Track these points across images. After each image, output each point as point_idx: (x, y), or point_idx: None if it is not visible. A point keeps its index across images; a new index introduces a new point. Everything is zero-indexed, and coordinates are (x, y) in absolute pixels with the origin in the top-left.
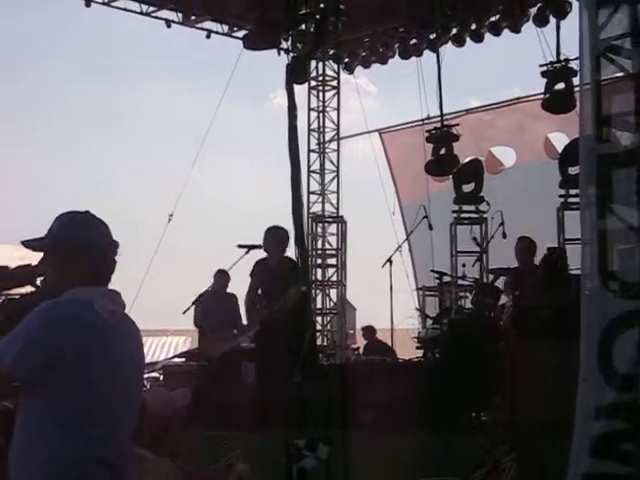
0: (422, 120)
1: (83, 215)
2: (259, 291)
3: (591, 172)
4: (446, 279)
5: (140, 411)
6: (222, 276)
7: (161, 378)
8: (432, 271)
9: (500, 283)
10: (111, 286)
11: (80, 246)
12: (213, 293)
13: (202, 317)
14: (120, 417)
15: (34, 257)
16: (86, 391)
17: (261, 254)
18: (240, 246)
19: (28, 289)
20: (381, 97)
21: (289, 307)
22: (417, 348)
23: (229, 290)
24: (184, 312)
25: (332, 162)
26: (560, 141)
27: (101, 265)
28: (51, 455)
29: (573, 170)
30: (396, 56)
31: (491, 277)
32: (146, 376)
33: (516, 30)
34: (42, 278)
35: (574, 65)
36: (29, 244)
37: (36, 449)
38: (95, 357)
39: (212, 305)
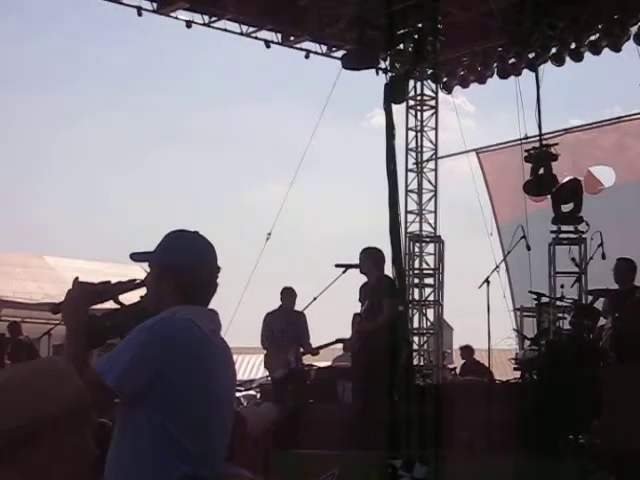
0: (520, 140)
1: (189, 235)
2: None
3: None
4: (544, 300)
5: (236, 429)
6: (288, 294)
7: (258, 396)
8: (530, 292)
9: (599, 304)
10: (211, 304)
11: (177, 265)
12: (280, 311)
13: (268, 337)
14: (216, 436)
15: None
16: (187, 409)
17: (360, 276)
18: (338, 265)
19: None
20: (479, 116)
21: (385, 321)
22: (515, 369)
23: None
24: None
25: (430, 182)
26: None
27: (198, 286)
28: (150, 472)
29: None
30: (494, 75)
31: (590, 298)
32: (243, 394)
33: (616, 49)
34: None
35: None
36: (136, 257)
37: (135, 466)
38: (197, 375)
39: (279, 324)
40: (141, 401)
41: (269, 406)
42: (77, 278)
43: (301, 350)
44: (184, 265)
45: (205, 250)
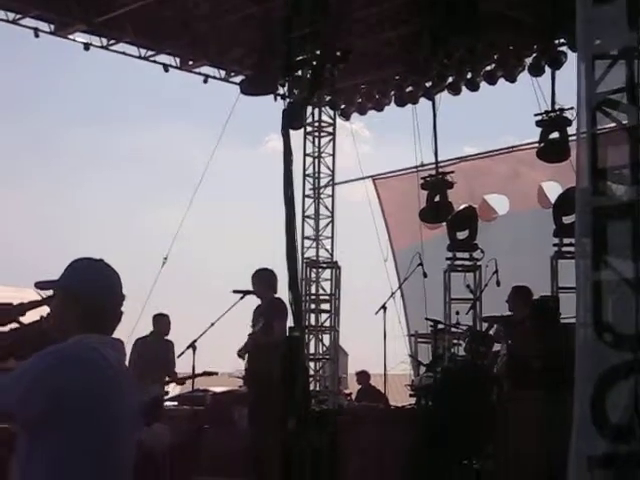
0: (416, 167)
1: (94, 263)
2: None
3: (587, 224)
4: (440, 326)
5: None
6: (160, 320)
7: None
8: (426, 319)
9: (493, 331)
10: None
11: (81, 294)
12: (152, 338)
13: (133, 362)
14: (114, 466)
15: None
16: (86, 440)
17: (255, 299)
18: (235, 291)
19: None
20: (376, 143)
21: (276, 341)
22: (411, 395)
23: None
24: (179, 355)
25: (327, 207)
26: (553, 190)
27: (102, 315)
28: None
29: (567, 219)
30: (392, 103)
31: (485, 325)
32: None
33: (512, 79)
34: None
35: (569, 115)
36: (41, 285)
37: None
38: (100, 404)
39: (147, 350)
40: (36, 431)
41: (161, 427)
42: None
43: (167, 379)
44: (88, 294)
45: (110, 278)
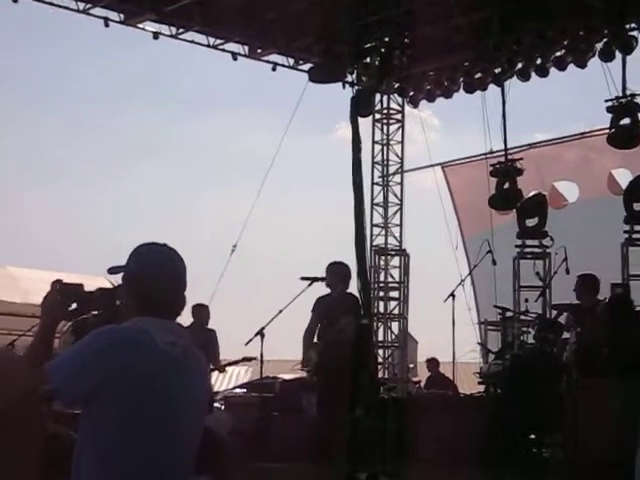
0: (485, 154)
1: (153, 248)
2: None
3: None
4: (509, 314)
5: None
6: (200, 310)
7: (222, 408)
8: (495, 306)
9: (563, 319)
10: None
11: (136, 277)
12: (191, 328)
13: None
14: (160, 449)
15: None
16: (126, 419)
17: (323, 288)
18: (303, 278)
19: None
20: (445, 130)
21: (350, 334)
22: (479, 383)
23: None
24: (247, 343)
25: (396, 195)
26: (624, 177)
27: (158, 298)
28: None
29: (638, 206)
30: (461, 90)
31: (554, 313)
32: None
33: (582, 65)
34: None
35: None
36: (112, 271)
37: (79, 473)
38: (145, 385)
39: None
40: (86, 406)
41: (223, 413)
42: (59, 280)
43: (210, 367)
44: (148, 277)
45: (172, 263)
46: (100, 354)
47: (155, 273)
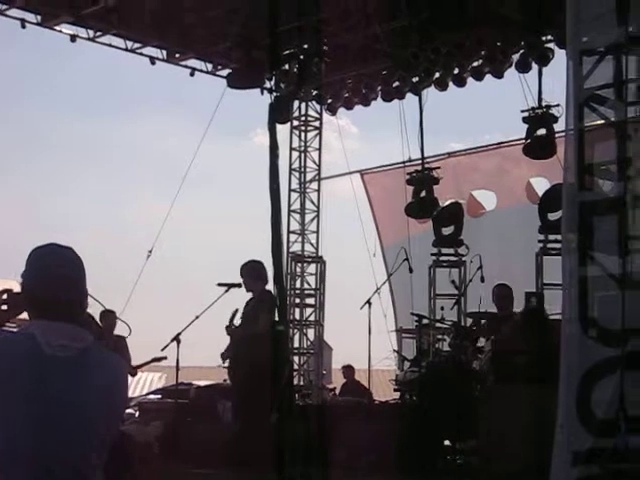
0: (403, 162)
1: (45, 250)
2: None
3: (573, 219)
4: (425, 321)
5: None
6: (107, 316)
7: (136, 414)
8: (412, 314)
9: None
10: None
11: (25, 283)
12: (100, 335)
13: None
14: (42, 457)
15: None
16: (10, 430)
17: (242, 293)
18: (220, 284)
19: None
20: (363, 138)
21: (260, 332)
22: (395, 390)
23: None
24: (163, 349)
25: (313, 202)
26: (542, 186)
27: (45, 302)
28: None
29: (552, 216)
30: (378, 98)
31: (469, 321)
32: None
33: (499, 75)
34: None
35: (555, 111)
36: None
37: None
38: (17, 393)
39: None
40: None
41: (156, 424)
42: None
43: None
44: (31, 282)
45: (53, 266)
46: None
47: (41, 276)
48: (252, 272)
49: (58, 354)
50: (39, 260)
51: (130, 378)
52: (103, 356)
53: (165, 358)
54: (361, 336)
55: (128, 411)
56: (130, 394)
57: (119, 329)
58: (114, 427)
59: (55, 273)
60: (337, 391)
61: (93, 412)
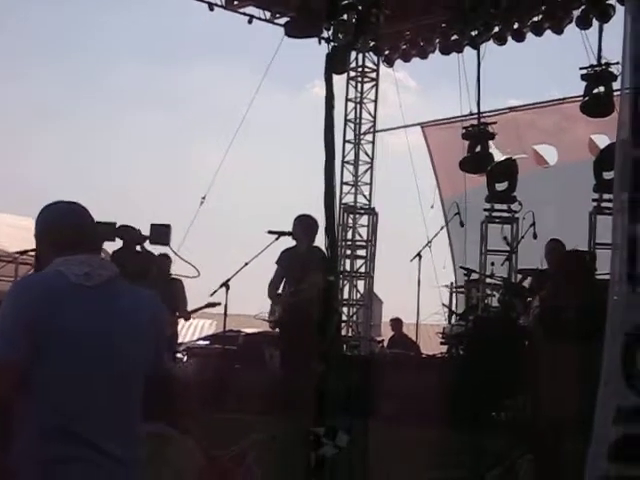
0: (463, 116)
1: (57, 203)
2: (284, 279)
3: (626, 177)
4: (474, 276)
5: (167, 387)
6: (163, 261)
7: (185, 359)
8: (461, 267)
9: (528, 283)
10: None
11: (47, 227)
12: (156, 278)
13: None
14: (87, 389)
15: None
16: (49, 359)
17: (290, 242)
18: (270, 232)
19: None
20: (419, 92)
21: (312, 295)
22: (441, 344)
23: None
24: (211, 294)
25: (367, 154)
26: (603, 142)
27: (70, 236)
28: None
29: (607, 175)
30: (436, 51)
31: (519, 277)
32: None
33: (558, 31)
34: None
35: (615, 70)
36: None
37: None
38: (59, 321)
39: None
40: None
41: (199, 370)
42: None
43: (177, 315)
44: (48, 226)
45: (66, 211)
46: (15, 309)
47: (57, 217)
48: (304, 226)
49: (83, 282)
50: (52, 209)
51: (182, 322)
52: (131, 287)
53: (219, 304)
54: (411, 289)
55: (177, 355)
56: (181, 339)
57: (185, 271)
58: (150, 356)
59: (71, 213)
60: (385, 344)
61: (133, 340)
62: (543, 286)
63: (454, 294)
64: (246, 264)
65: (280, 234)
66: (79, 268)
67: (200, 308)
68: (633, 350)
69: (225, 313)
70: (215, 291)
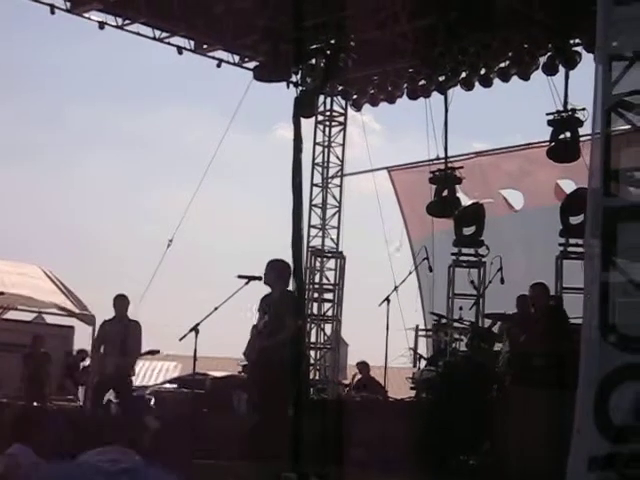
0: (430, 160)
1: None
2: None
3: (597, 224)
4: (443, 321)
5: None
6: (120, 302)
7: (152, 402)
8: (431, 313)
9: (496, 328)
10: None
11: None
12: (113, 319)
13: (98, 343)
14: None
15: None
16: None
17: (262, 286)
18: (240, 277)
19: None
20: (385, 135)
21: (285, 339)
22: (411, 389)
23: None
24: (181, 339)
25: (334, 197)
26: (570, 188)
27: None
28: None
29: (574, 220)
30: (404, 96)
31: (487, 322)
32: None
33: (525, 77)
34: None
35: (581, 115)
36: None
37: None
38: None
39: (110, 331)
40: None
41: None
42: None
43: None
44: None
45: None
46: None
47: None
48: (275, 270)
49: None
50: None
51: (141, 364)
52: None
53: (158, 352)
54: (377, 333)
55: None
56: (145, 382)
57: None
58: None
59: None
60: (352, 386)
61: None
62: (512, 331)
63: (417, 338)
64: (215, 309)
65: (250, 279)
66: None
67: (142, 354)
68: (605, 397)
69: (195, 357)
70: (185, 335)
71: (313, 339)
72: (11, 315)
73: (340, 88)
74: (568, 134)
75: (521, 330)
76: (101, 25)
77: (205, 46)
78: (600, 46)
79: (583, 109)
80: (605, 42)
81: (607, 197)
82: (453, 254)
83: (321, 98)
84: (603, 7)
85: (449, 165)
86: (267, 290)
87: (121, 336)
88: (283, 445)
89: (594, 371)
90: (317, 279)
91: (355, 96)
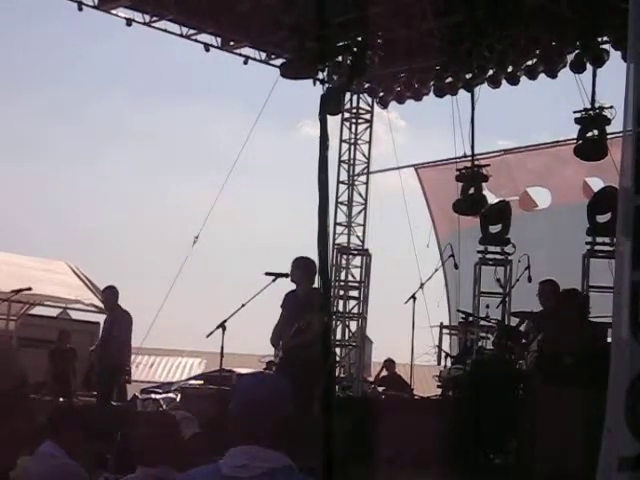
0: (457, 158)
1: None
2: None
3: (627, 223)
4: (470, 319)
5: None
6: (108, 292)
7: (177, 398)
8: (458, 310)
9: (524, 327)
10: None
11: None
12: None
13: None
14: None
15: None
16: None
17: (289, 285)
18: (268, 274)
19: None
20: (411, 132)
21: (313, 338)
22: (438, 387)
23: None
24: (208, 335)
25: (360, 195)
26: (597, 185)
27: (247, 425)
28: None
29: (601, 218)
30: (430, 93)
31: (513, 320)
32: (162, 396)
33: (552, 75)
34: None
35: (608, 113)
36: None
37: None
38: None
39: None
40: None
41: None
42: None
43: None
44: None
45: (248, 389)
46: None
47: (239, 402)
48: (302, 268)
49: (239, 475)
50: (241, 386)
51: (165, 360)
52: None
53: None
54: (402, 331)
55: (169, 395)
56: (170, 378)
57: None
58: None
59: (250, 397)
60: (376, 384)
61: None
62: (540, 329)
63: (442, 335)
64: (243, 305)
65: (277, 276)
66: (239, 460)
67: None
68: (637, 397)
69: (222, 353)
70: (212, 332)
71: (339, 337)
72: (36, 311)
73: (366, 85)
74: (596, 132)
75: (540, 327)
76: (128, 22)
77: (232, 43)
78: (633, 45)
79: (611, 107)
80: (638, 41)
81: (638, 195)
82: (479, 252)
83: (347, 95)
84: (636, 5)
85: (475, 163)
86: (292, 287)
87: (108, 326)
88: (308, 443)
89: (625, 370)
90: (343, 276)
91: (382, 93)
